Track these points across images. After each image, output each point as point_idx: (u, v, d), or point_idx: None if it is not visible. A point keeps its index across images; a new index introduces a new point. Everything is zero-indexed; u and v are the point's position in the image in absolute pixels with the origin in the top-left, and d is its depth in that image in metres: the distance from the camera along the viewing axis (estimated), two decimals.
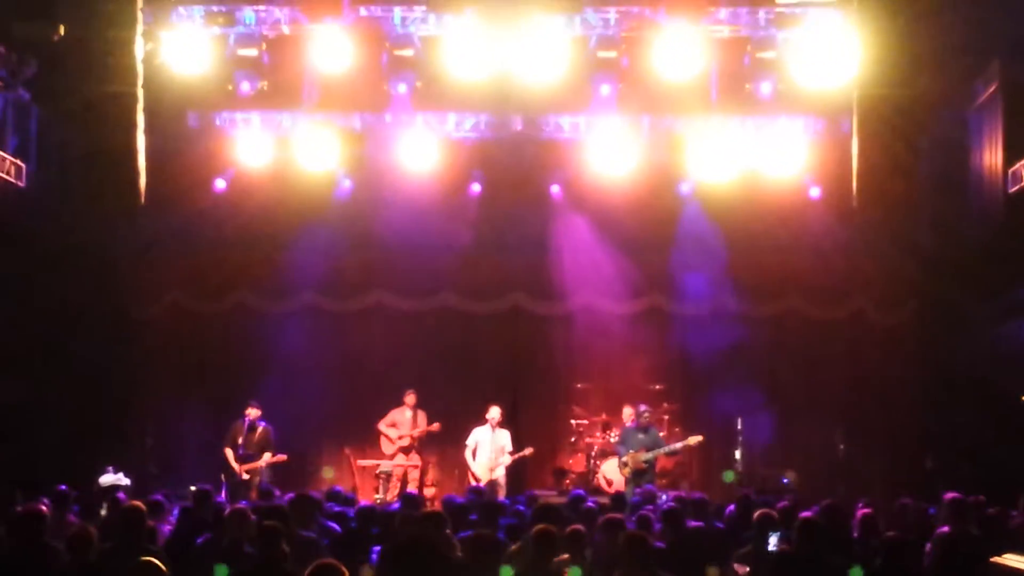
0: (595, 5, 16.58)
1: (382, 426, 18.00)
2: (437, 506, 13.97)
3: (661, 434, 17.60)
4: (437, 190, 18.38)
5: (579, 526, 9.39)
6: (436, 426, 17.91)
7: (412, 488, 17.20)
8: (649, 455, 16.77)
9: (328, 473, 18.27)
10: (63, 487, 12.36)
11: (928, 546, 10.18)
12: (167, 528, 11.37)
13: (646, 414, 17.14)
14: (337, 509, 11.80)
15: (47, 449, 16.11)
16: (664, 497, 14.05)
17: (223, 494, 15.87)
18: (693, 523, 10.68)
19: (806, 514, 9.69)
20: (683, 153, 17.91)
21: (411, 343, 19.28)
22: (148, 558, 7.36)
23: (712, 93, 17.29)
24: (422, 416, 17.98)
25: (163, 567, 7.27)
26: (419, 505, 12.06)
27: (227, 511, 10.41)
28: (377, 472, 17.80)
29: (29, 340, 16.91)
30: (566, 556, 8.49)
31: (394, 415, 18.02)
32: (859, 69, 15.80)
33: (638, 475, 16.59)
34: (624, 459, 16.78)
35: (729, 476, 17.56)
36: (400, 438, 17.87)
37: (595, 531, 9.70)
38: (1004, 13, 16.39)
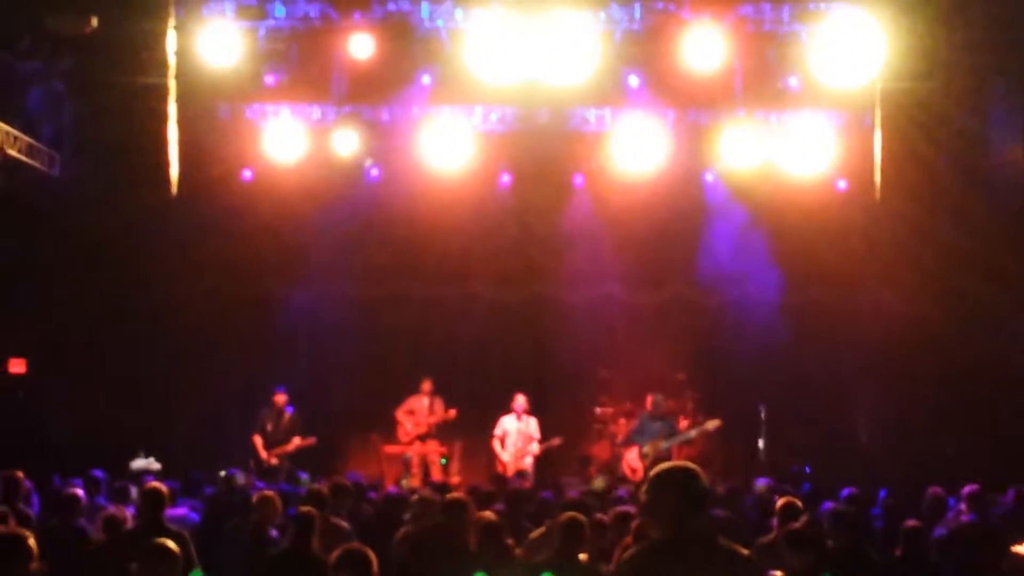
0: (620, 0, 16.75)
1: (400, 413, 18.16)
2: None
3: (683, 422, 17.77)
4: (463, 181, 18.52)
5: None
6: (452, 413, 18.00)
7: (435, 476, 17.42)
8: (668, 443, 16.91)
9: None
10: (97, 472, 12.68)
11: (947, 535, 10.37)
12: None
13: (661, 402, 17.27)
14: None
15: (81, 433, 16.40)
16: None
17: (252, 480, 16.09)
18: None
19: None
20: (708, 146, 18.07)
21: (437, 331, 19.47)
22: (162, 539, 7.35)
23: (737, 87, 17.46)
24: (438, 403, 18.10)
25: (176, 549, 7.23)
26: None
27: (255, 496, 10.65)
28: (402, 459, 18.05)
29: (62, 326, 17.21)
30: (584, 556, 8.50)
31: (411, 402, 18.14)
32: (882, 64, 15.90)
33: (658, 464, 16.61)
34: (645, 450, 16.89)
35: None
36: (416, 425, 18.06)
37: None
38: None
